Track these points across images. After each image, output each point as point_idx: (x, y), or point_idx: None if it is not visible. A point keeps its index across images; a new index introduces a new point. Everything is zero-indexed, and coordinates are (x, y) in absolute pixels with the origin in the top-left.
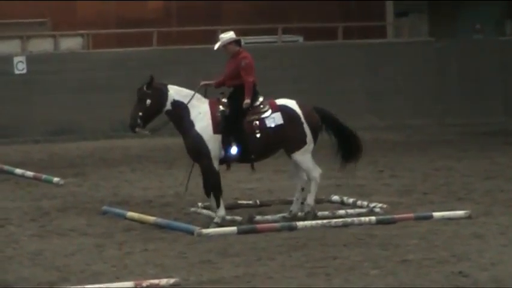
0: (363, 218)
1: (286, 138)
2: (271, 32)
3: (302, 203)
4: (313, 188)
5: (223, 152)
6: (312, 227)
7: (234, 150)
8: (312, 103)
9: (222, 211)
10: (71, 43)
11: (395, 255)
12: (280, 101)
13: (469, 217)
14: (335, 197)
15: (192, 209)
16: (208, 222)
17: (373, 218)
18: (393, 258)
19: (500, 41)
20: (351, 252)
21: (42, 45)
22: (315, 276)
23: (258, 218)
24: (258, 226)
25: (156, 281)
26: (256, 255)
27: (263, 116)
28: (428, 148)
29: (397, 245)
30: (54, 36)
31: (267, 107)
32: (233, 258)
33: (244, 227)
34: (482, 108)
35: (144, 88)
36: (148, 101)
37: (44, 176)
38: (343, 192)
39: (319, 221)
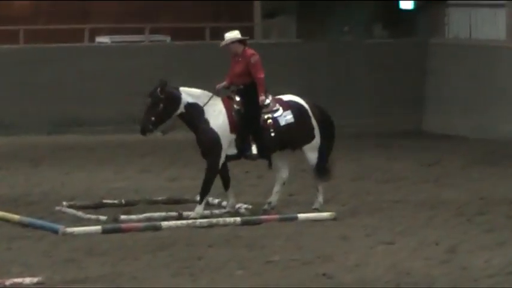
0: (227, 219)
1: (297, 133)
2: (141, 31)
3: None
4: (320, 188)
5: (235, 150)
6: (177, 227)
7: (254, 149)
8: None
9: (201, 208)
10: None
11: (260, 256)
12: (286, 97)
13: (334, 219)
14: None
15: (57, 208)
16: (73, 221)
17: (238, 218)
18: (259, 259)
19: (368, 43)
20: (217, 253)
21: None
22: (180, 276)
23: (123, 217)
24: (123, 226)
25: (19, 280)
26: (121, 254)
27: (275, 114)
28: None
29: (263, 245)
30: None
31: (277, 105)
32: (98, 257)
33: (109, 226)
34: (350, 110)
35: (158, 92)
36: (161, 106)
37: None
38: (209, 193)
39: (184, 221)
